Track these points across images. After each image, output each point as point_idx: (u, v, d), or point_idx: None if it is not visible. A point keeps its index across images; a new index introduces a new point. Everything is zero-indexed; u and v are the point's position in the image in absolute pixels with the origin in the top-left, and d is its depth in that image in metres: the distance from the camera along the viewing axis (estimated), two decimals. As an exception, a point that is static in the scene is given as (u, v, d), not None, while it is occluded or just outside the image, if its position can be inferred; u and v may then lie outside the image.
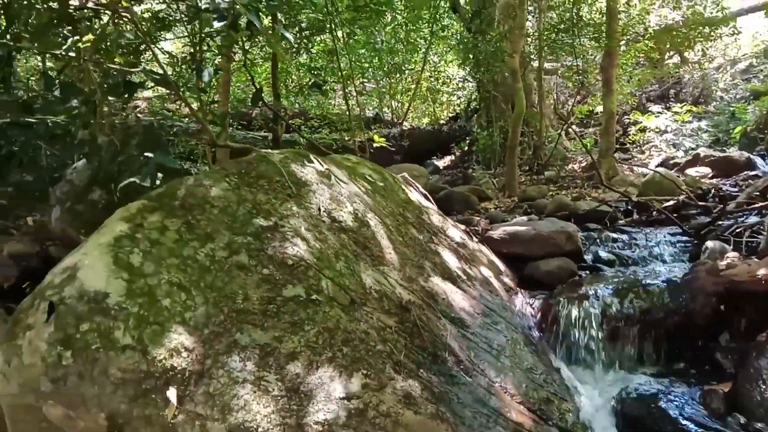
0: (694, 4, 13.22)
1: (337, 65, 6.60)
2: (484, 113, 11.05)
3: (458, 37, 11.35)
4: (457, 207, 6.64)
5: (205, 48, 4.84)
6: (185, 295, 2.10)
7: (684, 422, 2.70)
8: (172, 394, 1.91)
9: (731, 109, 11.29)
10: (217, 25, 3.06)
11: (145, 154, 3.32)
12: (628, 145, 11.25)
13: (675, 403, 2.89)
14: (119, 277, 2.04)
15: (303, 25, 6.14)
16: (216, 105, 5.55)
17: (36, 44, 3.35)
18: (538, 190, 7.48)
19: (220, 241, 2.33)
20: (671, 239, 4.73)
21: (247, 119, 10.72)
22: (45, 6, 3.00)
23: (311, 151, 3.53)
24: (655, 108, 12.14)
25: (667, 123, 11.20)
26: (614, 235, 4.92)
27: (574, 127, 10.42)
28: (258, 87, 4.90)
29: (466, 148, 11.96)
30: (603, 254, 4.49)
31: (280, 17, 5.49)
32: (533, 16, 10.34)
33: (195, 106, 3.94)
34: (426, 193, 4.44)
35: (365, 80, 13.48)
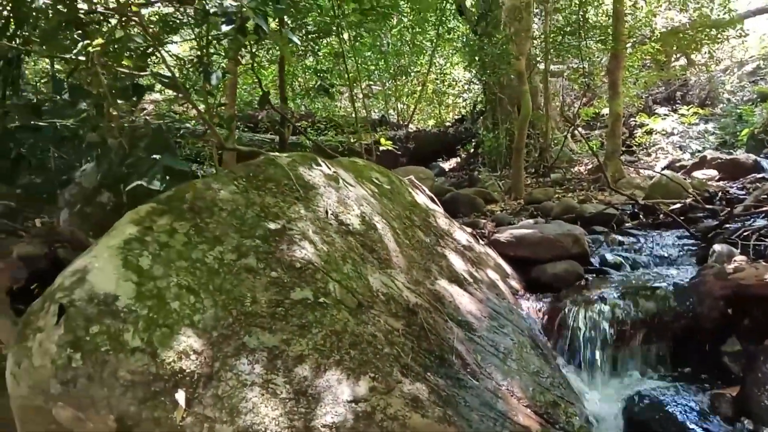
0: (701, 6, 13.17)
1: (344, 68, 6.61)
2: (489, 116, 11.05)
3: (464, 40, 11.36)
4: (462, 209, 6.65)
5: (212, 51, 4.86)
6: (194, 298, 2.11)
7: (692, 426, 2.69)
8: (180, 396, 1.92)
9: (738, 111, 11.26)
10: (225, 28, 3.08)
11: (153, 156, 3.34)
12: (635, 148, 11.23)
13: (682, 407, 2.88)
14: (129, 280, 2.05)
15: (309, 28, 6.16)
16: (223, 108, 5.57)
17: (46, 48, 3.37)
18: (544, 193, 7.47)
19: (229, 244, 2.34)
20: (678, 242, 4.72)
21: (253, 121, 10.76)
22: (54, 10, 3.02)
23: (318, 153, 3.54)
24: (661, 110, 12.11)
25: (674, 125, 11.17)
26: (621, 238, 4.91)
27: (579, 129, 10.40)
28: (265, 90, 4.91)
29: (472, 150, 11.96)
30: (610, 257, 4.49)
31: (286, 20, 5.51)
32: (539, 19, 10.33)
33: (202, 108, 3.95)
34: (432, 195, 4.45)
35: (371, 83, 13.50)
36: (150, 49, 3.78)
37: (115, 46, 3.33)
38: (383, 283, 2.69)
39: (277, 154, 3.06)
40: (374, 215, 3.09)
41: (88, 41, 2.85)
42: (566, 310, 3.45)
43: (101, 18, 3.47)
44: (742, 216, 4.88)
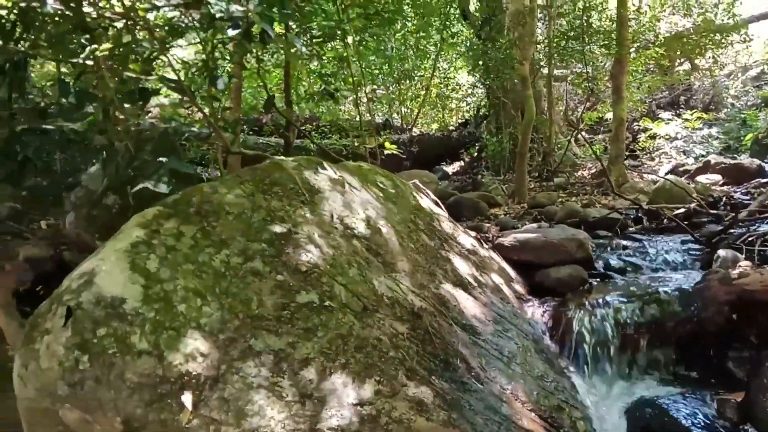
0: (705, 11, 13.19)
1: (348, 72, 6.63)
2: (493, 120, 11.07)
3: (468, 44, 11.38)
4: (466, 213, 6.66)
5: (217, 55, 4.88)
6: (201, 301, 2.12)
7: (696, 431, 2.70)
8: (187, 398, 1.93)
9: (742, 116, 11.26)
10: (231, 33, 3.09)
11: (159, 159, 3.36)
12: (638, 152, 11.23)
13: (687, 412, 2.88)
14: (136, 283, 2.06)
15: (314, 32, 6.18)
16: (228, 111, 5.59)
17: (53, 52, 3.39)
18: (547, 197, 7.48)
19: (235, 247, 2.36)
20: (682, 247, 4.72)
21: (258, 125, 10.78)
22: (62, 15, 3.04)
23: (323, 157, 3.55)
24: (665, 115, 12.12)
25: (677, 130, 11.17)
26: (625, 243, 4.92)
27: (583, 133, 10.41)
28: (270, 94, 4.93)
29: (476, 154, 11.97)
30: (613, 262, 4.49)
31: (291, 25, 5.53)
32: (543, 24, 10.35)
33: (207, 111, 3.97)
34: (437, 199, 4.46)
35: (376, 86, 13.53)
36: (156, 53, 3.80)
37: (120, 50, 3.35)
38: (388, 286, 2.70)
39: (282, 158, 3.08)
40: (379, 219, 3.11)
41: (96, 46, 2.87)
42: (570, 314, 3.46)
43: (108, 23, 3.49)
44: (747, 221, 4.88)
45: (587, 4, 9.31)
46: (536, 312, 3.65)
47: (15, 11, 3.38)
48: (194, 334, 2.04)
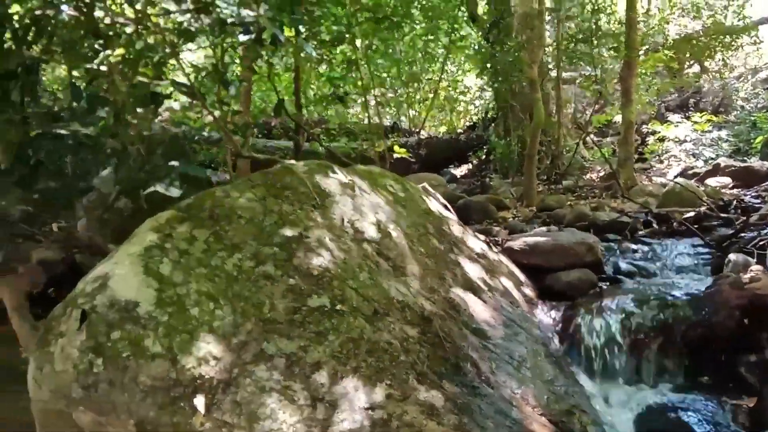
0: (715, 14, 13.13)
1: (358, 75, 6.66)
2: (501, 122, 11.05)
3: (476, 47, 11.38)
4: (475, 216, 6.64)
5: (227, 59, 4.91)
6: (213, 305, 2.14)
7: (707, 437, 2.69)
8: (200, 402, 1.94)
9: (752, 118, 11.18)
10: (242, 38, 3.12)
11: (171, 163, 3.38)
12: (647, 155, 11.18)
13: (698, 417, 2.87)
14: (149, 287, 2.08)
15: (323, 36, 6.21)
16: (238, 115, 5.62)
17: (65, 57, 3.43)
18: (556, 200, 7.45)
19: (247, 251, 2.37)
20: (692, 251, 4.68)
21: (267, 128, 10.82)
22: (76, 20, 3.07)
23: (332, 160, 3.57)
24: (674, 117, 12.05)
25: (687, 132, 11.10)
26: (634, 247, 4.89)
27: (591, 136, 10.38)
28: (280, 98, 4.95)
29: (484, 157, 11.96)
30: (623, 266, 4.47)
31: (301, 29, 5.56)
32: (551, 27, 10.33)
33: (217, 115, 4.00)
34: (446, 203, 4.46)
35: (384, 90, 13.55)
36: (167, 57, 3.83)
37: (131, 55, 3.38)
38: (398, 290, 2.71)
39: (293, 162, 3.10)
40: (389, 223, 3.12)
41: (110, 51, 2.90)
42: (580, 318, 3.45)
43: (119, 28, 3.52)
44: (758, 225, 4.85)
45: (596, 7, 9.29)
46: (546, 316, 3.65)
47: (28, 17, 3.42)
48: (207, 337, 2.06)
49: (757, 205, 5.86)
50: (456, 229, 3.91)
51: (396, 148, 5.64)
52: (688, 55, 14.01)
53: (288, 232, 2.54)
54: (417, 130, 14.36)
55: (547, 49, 10.05)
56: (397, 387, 2.20)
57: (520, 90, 9.87)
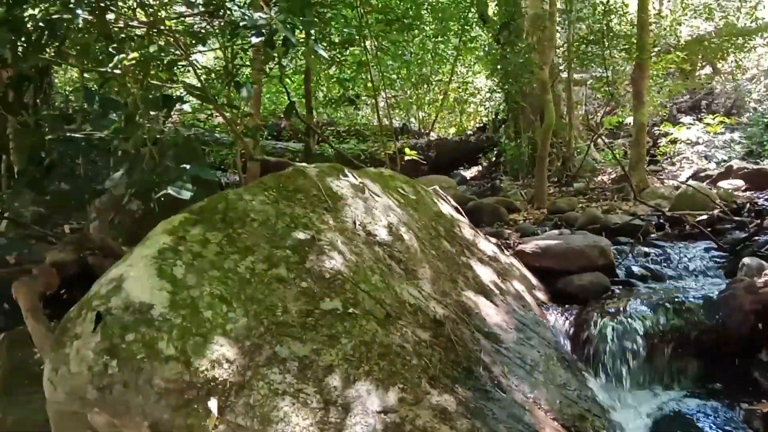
0: (727, 15, 13.02)
1: (368, 77, 6.66)
2: (512, 124, 11.03)
3: (486, 49, 11.36)
4: (485, 219, 6.63)
5: (238, 62, 4.93)
6: (226, 307, 2.14)
7: (722, 443, 2.66)
8: (213, 404, 1.95)
9: (765, 120, 11.10)
10: (254, 41, 3.12)
11: (183, 165, 3.39)
12: (659, 157, 11.11)
13: (712, 422, 2.85)
14: (163, 289, 2.09)
15: (333, 38, 6.22)
16: (248, 117, 5.64)
17: (79, 61, 3.45)
18: (567, 202, 7.42)
19: (260, 254, 2.38)
20: (705, 254, 4.66)
21: (276, 130, 10.86)
22: (91, 24, 3.09)
23: (342, 163, 3.57)
24: (686, 119, 11.97)
25: (699, 134, 11.03)
26: (647, 250, 4.86)
27: (603, 138, 10.32)
28: (291, 100, 4.96)
29: (494, 158, 11.93)
30: (636, 269, 4.45)
31: (311, 31, 5.57)
32: (562, 28, 10.30)
33: (228, 116, 4.01)
34: (457, 205, 4.45)
35: (394, 91, 13.56)
36: (178, 60, 3.85)
37: (143, 58, 3.39)
38: (410, 293, 2.71)
39: (305, 164, 3.10)
40: (401, 226, 3.11)
41: (124, 55, 2.92)
42: (593, 322, 3.43)
43: (130, 31, 3.54)
44: (772, 228, 4.81)
45: (607, 8, 9.25)
46: (558, 320, 3.63)
47: (41, 21, 3.45)
48: (220, 340, 2.06)
49: (770, 208, 5.81)
50: (467, 231, 3.90)
51: (407, 150, 5.63)
52: (700, 57, 13.91)
53: (300, 234, 2.54)
54: (427, 131, 14.36)
55: (558, 50, 10.02)
56: (410, 391, 2.20)
57: (531, 91, 9.85)
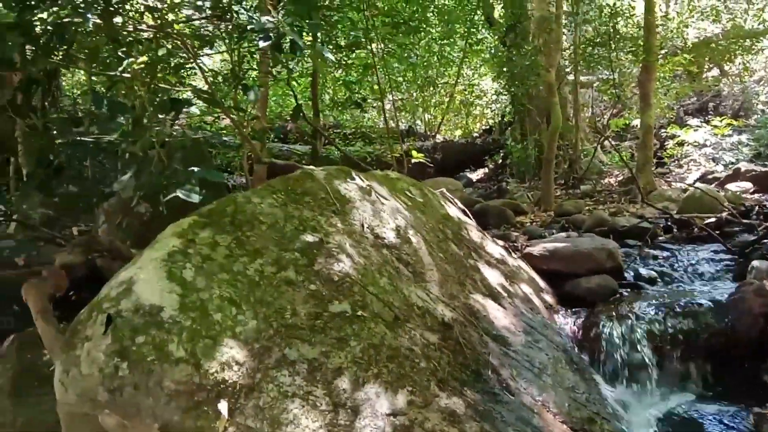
0: (735, 17, 12.97)
1: (375, 80, 6.67)
2: (518, 126, 11.02)
3: (492, 51, 11.36)
4: (492, 221, 6.62)
5: (245, 64, 4.95)
6: (236, 310, 2.15)
7: (731, 447, 2.65)
8: (223, 406, 1.95)
9: (773, 122, 11.04)
10: (262, 44, 3.13)
11: (191, 168, 3.41)
12: (666, 159, 11.07)
13: (721, 425, 2.84)
14: (173, 292, 2.10)
15: (341, 41, 6.23)
16: (255, 120, 5.66)
17: (88, 64, 3.47)
18: (574, 205, 7.40)
19: (269, 256, 2.38)
20: (714, 257, 4.64)
21: (283, 132, 10.89)
22: (100, 28, 3.11)
23: (348, 165, 3.58)
24: (693, 121, 11.92)
25: (706, 137, 10.97)
26: (655, 252, 4.85)
27: (609, 140, 10.29)
28: (298, 103, 4.98)
29: (500, 161, 11.92)
30: (644, 272, 4.44)
31: (318, 34, 5.59)
32: (569, 30, 10.29)
33: (235, 119, 4.02)
34: (464, 208, 4.45)
35: (400, 93, 13.58)
36: (185, 63, 3.86)
37: (151, 61, 3.41)
38: (418, 296, 2.71)
39: (312, 167, 3.11)
40: (408, 228, 3.12)
41: (132, 59, 2.94)
42: (601, 325, 3.42)
43: (138, 35, 3.56)
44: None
45: (614, 11, 9.23)
46: (566, 322, 3.62)
47: (50, 25, 3.47)
48: (230, 342, 2.06)
49: (779, 211, 5.78)
50: (475, 234, 3.90)
51: (414, 153, 5.64)
52: (707, 59, 13.85)
53: (309, 237, 2.55)
54: (433, 134, 14.37)
55: (564, 52, 10.00)
56: (419, 393, 2.20)
57: (537, 94, 9.84)
